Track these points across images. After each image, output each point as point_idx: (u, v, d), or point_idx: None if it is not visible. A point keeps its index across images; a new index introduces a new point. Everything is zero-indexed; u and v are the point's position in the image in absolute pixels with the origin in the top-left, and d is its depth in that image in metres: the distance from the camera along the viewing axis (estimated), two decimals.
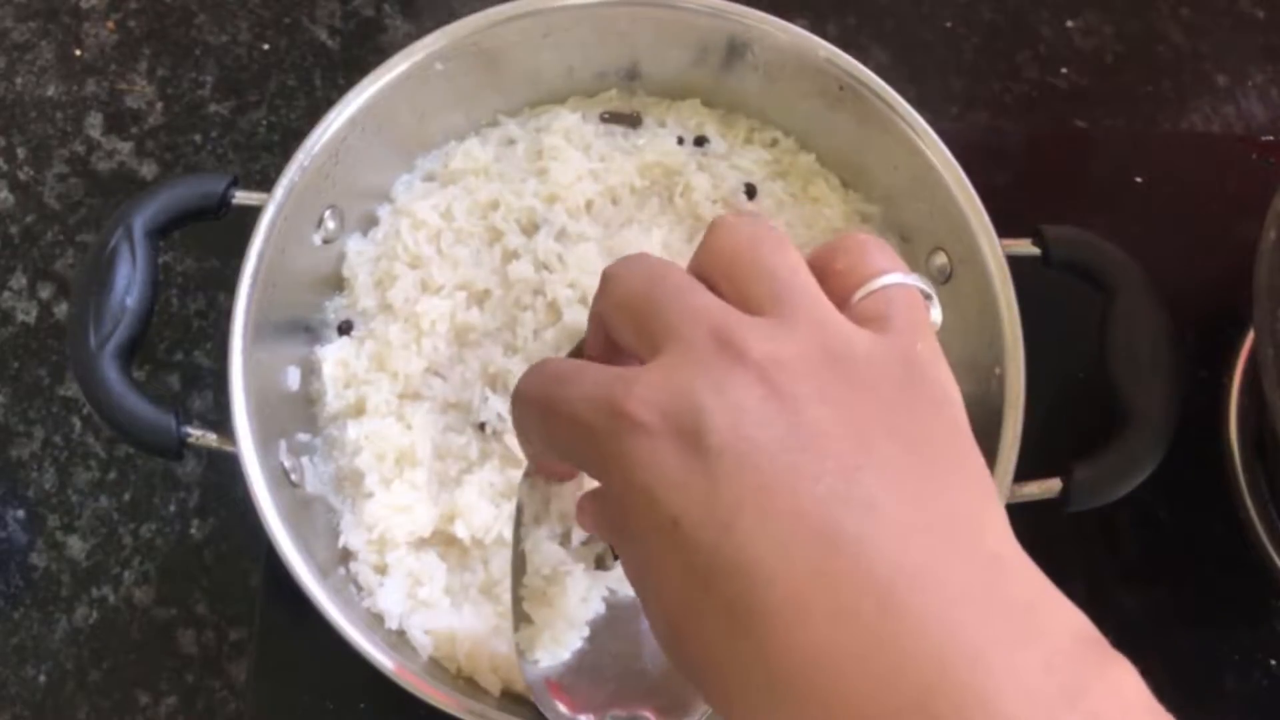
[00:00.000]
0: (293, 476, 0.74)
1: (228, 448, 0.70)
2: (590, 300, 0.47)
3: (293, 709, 0.79)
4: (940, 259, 0.79)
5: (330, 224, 0.80)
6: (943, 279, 0.79)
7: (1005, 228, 0.75)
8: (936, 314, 0.42)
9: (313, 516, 0.75)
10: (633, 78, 0.86)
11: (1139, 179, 0.94)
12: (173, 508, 0.84)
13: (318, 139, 0.76)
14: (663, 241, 0.81)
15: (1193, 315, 0.77)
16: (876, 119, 0.79)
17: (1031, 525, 0.69)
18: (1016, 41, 1.00)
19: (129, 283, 0.72)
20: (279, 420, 0.75)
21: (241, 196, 0.76)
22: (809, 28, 0.80)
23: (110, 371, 0.71)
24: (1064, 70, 0.99)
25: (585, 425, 0.39)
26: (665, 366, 0.38)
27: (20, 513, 0.84)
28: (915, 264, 0.82)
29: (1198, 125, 0.97)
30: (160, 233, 0.74)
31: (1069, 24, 1.01)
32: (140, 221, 0.73)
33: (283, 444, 0.74)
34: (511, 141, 0.86)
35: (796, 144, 0.86)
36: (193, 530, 0.84)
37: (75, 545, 0.83)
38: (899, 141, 0.78)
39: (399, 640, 0.73)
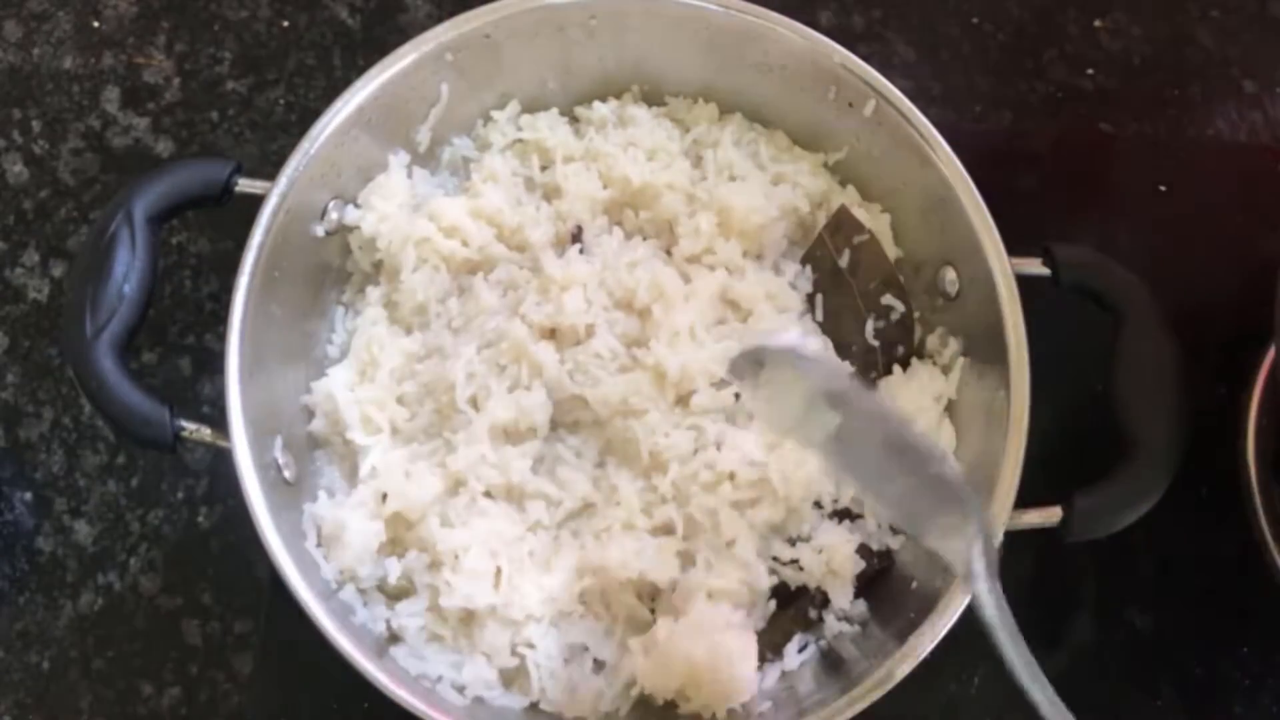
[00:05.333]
0: (286, 473, 0.73)
1: (222, 443, 0.70)
2: None
3: (296, 705, 0.80)
4: (950, 274, 0.78)
5: (334, 215, 0.79)
6: (951, 294, 0.78)
7: (1024, 233, 0.74)
8: None
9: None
10: (638, 77, 0.85)
11: (1163, 187, 0.92)
12: (181, 495, 0.84)
13: (323, 129, 0.75)
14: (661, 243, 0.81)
15: (1212, 330, 0.76)
16: (890, 128, 0.78)
17: (1044, 543, 0.70)
18: (1043, 40, 0.99)
19: (128, 270, 0.71)
20: (278, 415, 0.75)
21: (244, 185, 0.75)
22: (833, 19, 0.78)
23: (105, 361, 0.70)
24: (1090, 71, 0.98)
25: None
26: None
27: (28, 495, 0.84)
28: (923, 278, 0.81)
29: (1224, 132, 0.96)
30: (162, 219, 0.74)
31: (1097, 23, 0.99)
32: (141, 206, 0.72)
33: (278, 440, 0.73)
34: (515, 140, 0.85)
35: (805, 150, 0.85)
36: (200, 518, 0.83)
37: (82, 530, 0.83)
38: (912, 153, 0.77)
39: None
